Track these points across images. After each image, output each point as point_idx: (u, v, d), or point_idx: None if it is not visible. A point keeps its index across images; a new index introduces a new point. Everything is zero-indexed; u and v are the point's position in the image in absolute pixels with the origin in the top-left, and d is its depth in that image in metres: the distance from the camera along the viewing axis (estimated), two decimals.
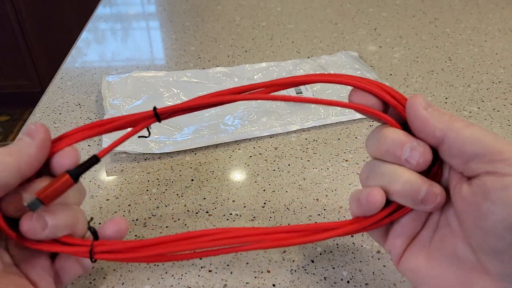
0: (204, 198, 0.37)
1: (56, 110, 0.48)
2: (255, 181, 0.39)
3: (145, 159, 0.41)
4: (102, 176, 0.39)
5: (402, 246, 0.24)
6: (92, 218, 0.27)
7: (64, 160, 0.25)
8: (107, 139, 0.41)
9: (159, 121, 0.26)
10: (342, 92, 0.50)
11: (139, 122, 0.25)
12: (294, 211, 0.36)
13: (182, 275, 0.31)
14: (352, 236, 0.34)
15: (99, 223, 0.34)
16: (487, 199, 0.20)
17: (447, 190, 0.23)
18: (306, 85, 0.50)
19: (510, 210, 0.19)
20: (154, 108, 0.25)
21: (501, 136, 0.44)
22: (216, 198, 0.37)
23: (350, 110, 0.47)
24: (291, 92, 0.49)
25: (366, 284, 0.30)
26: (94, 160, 0.24)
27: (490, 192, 0.20)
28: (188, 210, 0.36)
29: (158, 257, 0.25)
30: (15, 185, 0.23)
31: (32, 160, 0.23)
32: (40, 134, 0.24)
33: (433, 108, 0.23)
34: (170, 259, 0.26)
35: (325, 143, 0.44)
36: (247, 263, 0.31)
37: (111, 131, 0.26)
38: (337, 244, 0.33)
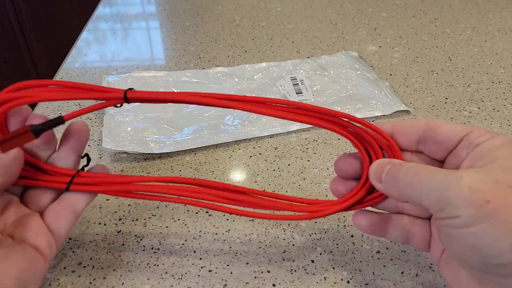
0: None
1: (56, 110, 0.48)
2: (255, 181, 0.39)
3: (145, 159, 0.41)
4: None
5: (439, 256, 0.26)
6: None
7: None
8: (107, 139, 0.41)
9: (127, 101, 0.26)
10: (341, 92, 0.50)
11: (108, 98, 0.26)
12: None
13: (182, 275, 0.31)
14: (352, 236, 0.34)
15: (99, 223, 0.34)
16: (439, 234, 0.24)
17: None
18: (306, 85, 0.50)
19: (453, 244, 0.22)
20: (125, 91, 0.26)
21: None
22: None
23: (350, 110, 0.47)
24: (291, 92, 0.49)
25: (366, 284, 0.30)
26: (58, 121, 0.25)
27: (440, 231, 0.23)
28: (188, 210, 0.36)
29: (125, 193, 0.28)
30: None
31: None
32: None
33: (386, 175, 0.25)
34: (136, 196, 0.29)
35: (325, 143, 0.44)
36: (247, 263, 0.32)
37: (79, 99, 0.27)
38: (337, 244, 0.33)
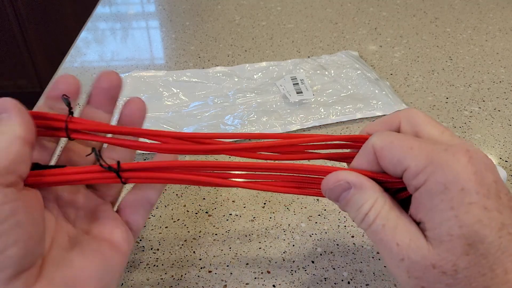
0: (204, 199, 0.37)
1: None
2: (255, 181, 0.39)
3: (145, 159, 0.41)
4: None
5: None
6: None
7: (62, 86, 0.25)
8: None
9: (124, 183, 0.23)
10: (342, 92, 0.50)
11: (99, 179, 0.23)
12: (294, 211, 0.36)
13: (182, 275, 0.30)
14: (352, 237, 0.33)
15: None
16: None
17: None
18: (306, 85, 0.50)
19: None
20: (116, 171, 0.23)
21: (502, 135, 0.44)
22: (216, 198, 0.37)
23: (350, 110, 0.47)
24: (291, 92, 0.49)
25: (366, 285, 0.30)
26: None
27: None
28: (187, 211, 0.36)
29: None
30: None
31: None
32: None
33: (347, 205, 0.22)
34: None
35: None
36: (247, 264, 0.31)
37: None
38: (337, 245, 0.33)
